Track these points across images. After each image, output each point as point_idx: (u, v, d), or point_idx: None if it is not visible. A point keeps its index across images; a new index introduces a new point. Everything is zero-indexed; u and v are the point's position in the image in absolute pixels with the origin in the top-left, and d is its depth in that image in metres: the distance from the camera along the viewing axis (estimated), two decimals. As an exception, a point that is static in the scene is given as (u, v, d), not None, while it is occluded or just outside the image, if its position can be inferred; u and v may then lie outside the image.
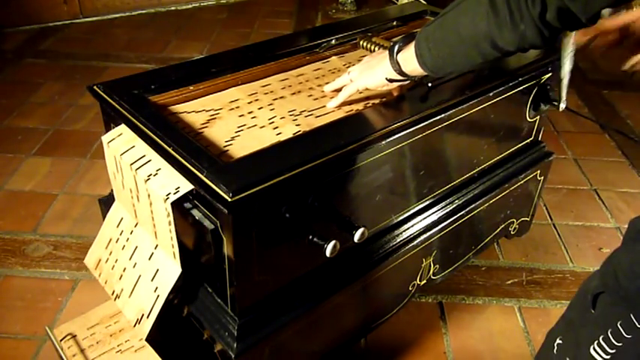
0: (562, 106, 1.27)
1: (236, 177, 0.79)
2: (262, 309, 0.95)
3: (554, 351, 0.83)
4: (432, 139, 1.08)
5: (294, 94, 1.11)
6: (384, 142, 0.97)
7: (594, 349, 0.73)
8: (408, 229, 1.17)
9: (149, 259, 0.97)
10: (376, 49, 1.25)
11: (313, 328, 1.05)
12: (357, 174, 0.96)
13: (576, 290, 0.83)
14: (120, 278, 1.01)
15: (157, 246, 0.96)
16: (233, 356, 0.90)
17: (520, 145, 1.38)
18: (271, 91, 1.12)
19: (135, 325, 0.96)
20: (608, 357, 0.72)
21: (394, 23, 1.42)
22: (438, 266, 1.30)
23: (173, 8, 3.38)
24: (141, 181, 0.89)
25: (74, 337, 1.08)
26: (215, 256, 0.88)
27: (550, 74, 1.28)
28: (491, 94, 1.14)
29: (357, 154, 0.93)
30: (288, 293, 0.98)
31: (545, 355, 0.86)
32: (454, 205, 1.25)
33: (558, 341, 0.82)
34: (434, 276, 1.31)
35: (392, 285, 1.21)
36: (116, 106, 0.98)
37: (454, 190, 1.25)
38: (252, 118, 1.02)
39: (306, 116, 1.03)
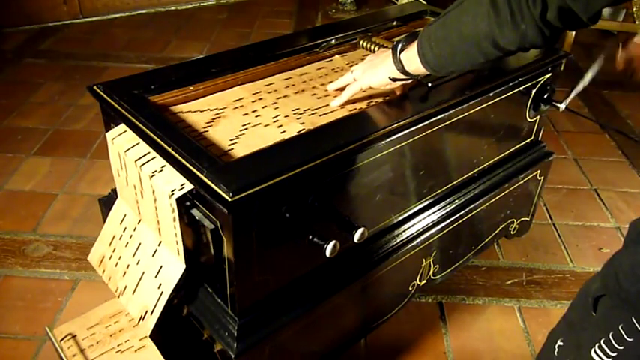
0: (562, 106, 1.27)
1: (236, 177, 0.79)
2: (262, 309, 0.95)
3: (555, 352, 0.83)
4: (432, 139, 1.08)
5: (297, 92, 1.12)
6: (383, 142, 0.97)
7: (595, 351, 0.73)
8: (408, 229, 1.17)
9: (153, 255, 0.97)
10: (376, 49, 1.25)
11: (313, 328, 1.05)
12: (357, 174, 0.96)
13: (576, 290, 0.83)
14: (123, 275, 1.02)
15: (160, 242, 0.96)
16: (233, 356, 0.90)
17: (520, 145, 1.38)
18: (275, 90, 1.12)
19: (139, 322, 0.97)
20: None
21: (394, 23, 1.42)
22: (437, 266, 1.30)
23: (173, 8, 3.38)
24: (145, 178, 0.89)
25: (74, 337, 1.08)
26: (215, 256, 0.88)
27: (550, 74, 1.28)
28: (491, 94, 1.14)
29: (357, 154, 0.93)
30: (288, 293, 0.98)
31: (546, 357, 0.86)
32: (454, 205, 1.25)
33: (559, 343, 0.82)
34: (434, 276, 1.31)
35: (392, 285, 1.20)
36: (116, 106, 0.98)
37: (454, 190, 1.25)
38: (257, 116, 1.02)
39: (310, 115, 1.04)
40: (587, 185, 1.93)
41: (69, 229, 1.66)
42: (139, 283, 0.98)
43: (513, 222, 1.50)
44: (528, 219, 1.57)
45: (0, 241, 1.61)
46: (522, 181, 1.40)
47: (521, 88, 1.23)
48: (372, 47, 1.27)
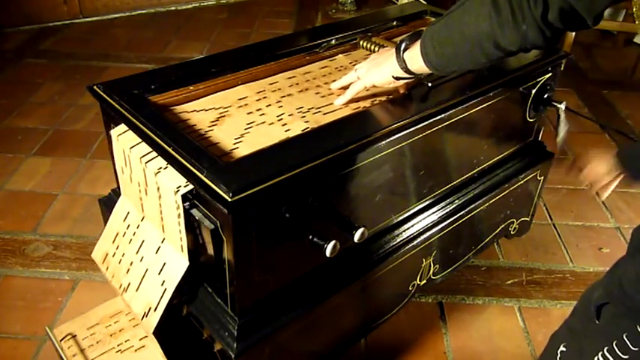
0: (562, 107, 1.27)
1: (236, 177, 0.79)
2: (262, 309, 0.95)
3: (558, 358, 0.83)
4: (432, 139, 1.08)
5: (301, 91, 1.12)
6: (383, 143, 0.97)
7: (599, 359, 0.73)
8: (408, 229, 1.17)
9: (156, 252, 0.97)
10: (376, 49, 1.25)
11: (313, 328, 1.05)
12: (357, 174, 0.96)
13: (577, 290, 0.83)
14: (127, 272, 1.02)
15: (164, 239, 0.96)
16: (233, 356, 0.90)
17: (520, 145, 1.38)
18: (279, 89, 1.12)
19: (142, 319, 0.97)
20: None
21: (394, 23, 1.42)
22: (437, 266, 1.30)
23: (173, 8, 3.38)
24: (150, 175, 0.89)
25: (74, 337, 1.08)
26: (215, 256, 0.88)
27: (550, 74, 1.28)
28: (491, 94, 1.14)
29: (356, 154, 0.93)
30: (288, 293, 0.98)
31: None
32: (454, 205, 1.25)
33: (562, 348, 0.82)
34: (434, 276, 1.31)
35: (392, 285, 1.20)
36: (116, 106, 0.98)
37: (454, 190, 1.25)
38: (261, 115, 1.03)
39: (314, 113, 1.04)
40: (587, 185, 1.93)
41: (69, 229, 1.66)
42: (142, 280, 0.98)
43: (513, 222, 1.50)
44: (528, 219, 1.57)
45: (0, 241, 1.61)
46: (522, 181, 1.40)
47: (521, 88, 1.23)
48: (372, 47, 1.27)
